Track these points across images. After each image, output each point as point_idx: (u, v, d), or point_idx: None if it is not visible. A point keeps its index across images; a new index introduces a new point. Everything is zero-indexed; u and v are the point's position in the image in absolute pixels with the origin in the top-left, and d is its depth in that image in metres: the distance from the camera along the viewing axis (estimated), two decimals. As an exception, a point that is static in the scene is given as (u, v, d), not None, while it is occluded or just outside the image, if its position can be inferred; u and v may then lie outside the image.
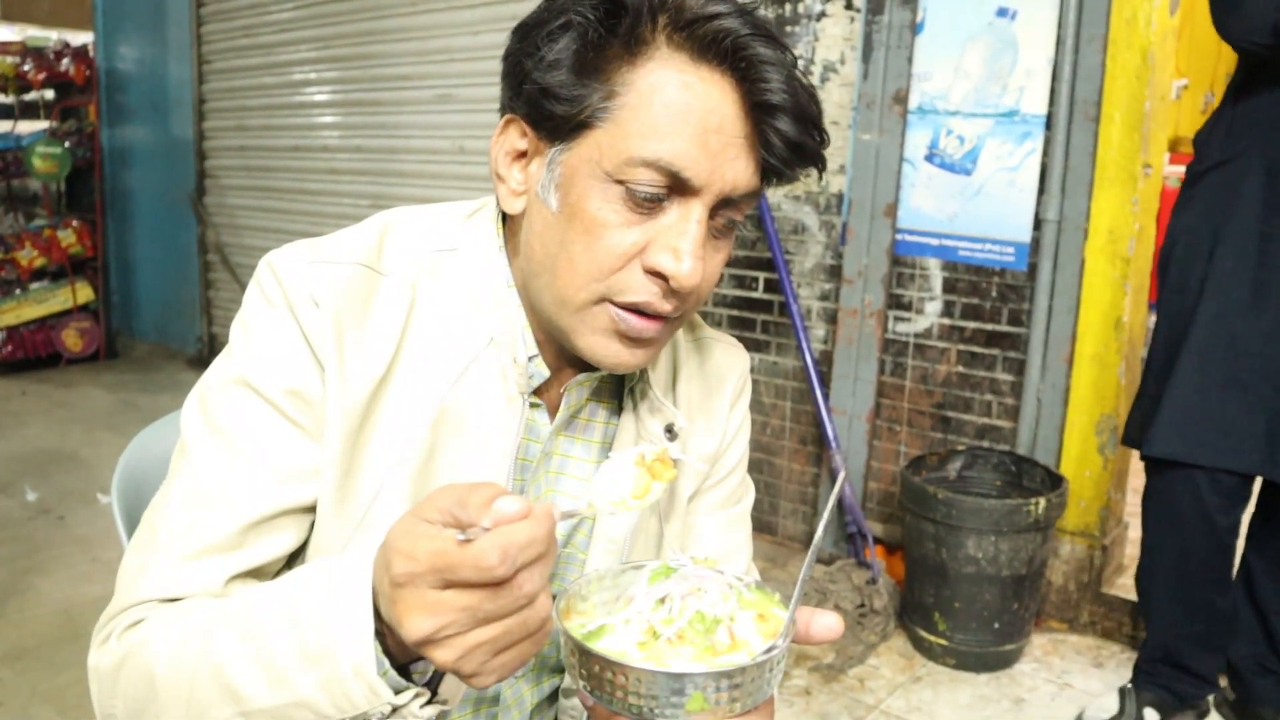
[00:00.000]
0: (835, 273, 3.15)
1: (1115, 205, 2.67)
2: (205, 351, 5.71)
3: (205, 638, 0.71)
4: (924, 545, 2.60)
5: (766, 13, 3.20)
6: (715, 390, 1.01)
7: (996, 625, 2.57)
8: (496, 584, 0.57)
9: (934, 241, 2.96)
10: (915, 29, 2.92)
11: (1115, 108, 2.64)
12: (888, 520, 3.10)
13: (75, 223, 5.78)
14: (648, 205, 0.77)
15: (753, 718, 0.68)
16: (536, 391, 0.89)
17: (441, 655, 0.59)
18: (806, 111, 0.77)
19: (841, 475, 0.84)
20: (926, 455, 2.85)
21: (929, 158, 2.94)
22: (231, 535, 0.79)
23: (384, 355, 0.82)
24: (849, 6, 3.05)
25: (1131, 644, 2.72)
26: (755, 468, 3.28)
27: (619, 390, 0.94)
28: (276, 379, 0.80)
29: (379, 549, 0.63)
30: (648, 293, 0.79)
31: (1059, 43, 2.70)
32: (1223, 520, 2.10)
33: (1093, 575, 2.79)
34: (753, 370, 2.49)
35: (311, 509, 0.83)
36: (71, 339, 5.75)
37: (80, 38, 6.28)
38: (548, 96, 0.77)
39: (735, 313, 3.38)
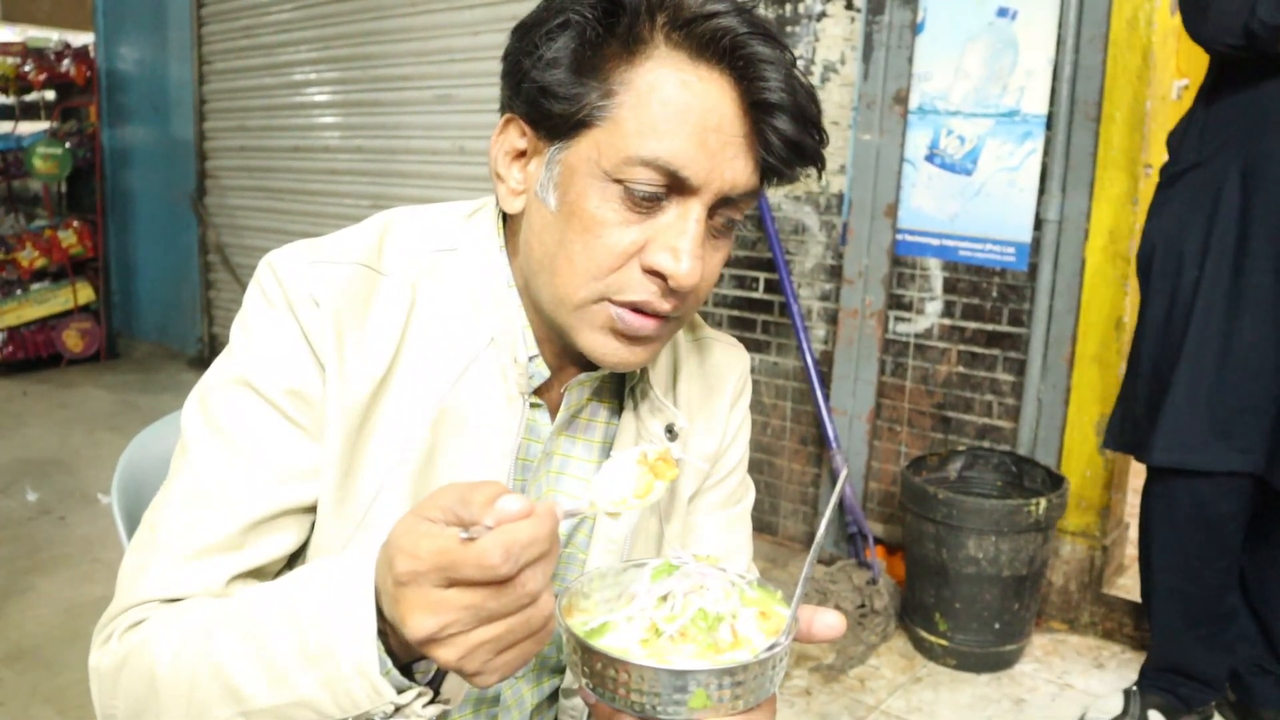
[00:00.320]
0: (836, 273, 3.15)
1: (1116, 205, 2.67)
2: (206, 352, 5.71)
3: (206, 638, 0.71)
4: (924, 545, 2.60)
5: (766, 13, 3.20)
6: (716, 390, 1.00)
7: (997, 626, 2.57)
8: (499, 582, 0.57)
9: (934, 242, 2.96)
10: (915, 29, 2.92)
11: (1116, 108, 2.64)
12: (888, 520, 3.10)
13: (76, 223, 5.77)
14: (646, 204, 0.77)
15: (755, 715, 0.68)
16: (537, 391, 0.89)
17: (444, 654, 0.59)
18: (805, 110, 0.77)
19: (843, 475, 0.84)
20: (927, 455, 2.85)
21: (929, 158, 2.94)
22: (232, 535, 0.79)
23: (384, 355, 0.82)
24: (849, 6, 3.05)
25: (1132, 644, 2.72)
26: (756, 468, 3.28)
27: (619, 390, 0.94)
28: (277, 379, 0.80)
29: (381, 548, 0.63)
30: (646, 292, 0.79)
31: (1059, 43, 2.70)
32: (1227, 524, 2.10)
33: (1093, 576, 2.79)
34: (753, 370, 2.49)
35: (312, 509, 0.83)
36: (72, 339, 5.75)
37: (81, 38, 6.27)
38: (546, 95, 0.77)
39: (735, 313, 3.38)
